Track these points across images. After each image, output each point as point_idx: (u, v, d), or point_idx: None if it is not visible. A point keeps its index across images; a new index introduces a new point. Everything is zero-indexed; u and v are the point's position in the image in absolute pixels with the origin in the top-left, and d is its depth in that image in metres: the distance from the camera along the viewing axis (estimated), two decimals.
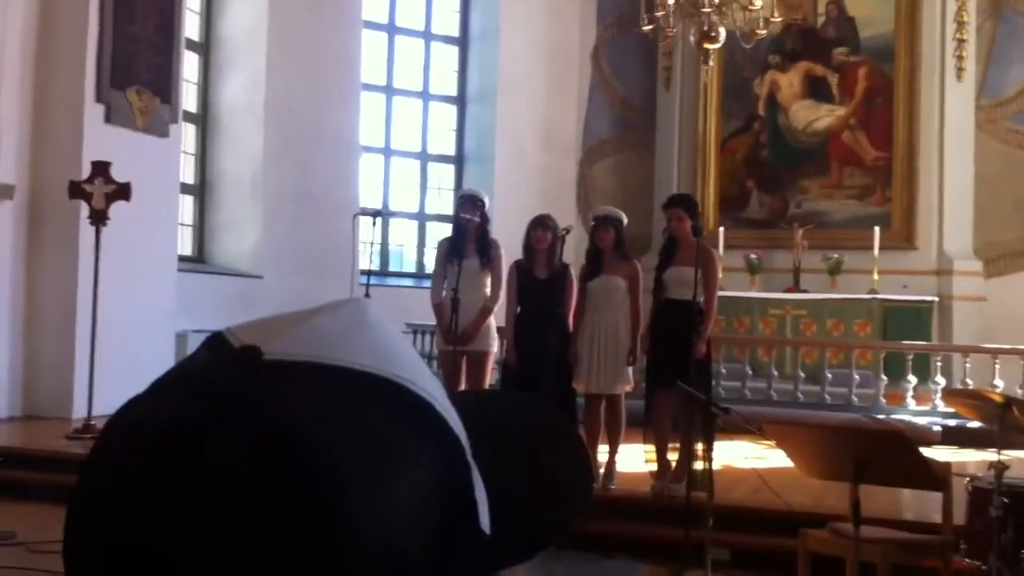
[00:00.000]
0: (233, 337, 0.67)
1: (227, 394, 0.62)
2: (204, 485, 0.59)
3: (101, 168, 8.43)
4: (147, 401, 0.67)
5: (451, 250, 7.50)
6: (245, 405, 0.61)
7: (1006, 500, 4.54)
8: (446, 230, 8.94)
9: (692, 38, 10.00)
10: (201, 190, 12.09)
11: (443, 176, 14.43)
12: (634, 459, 7.14)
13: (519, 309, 7.29)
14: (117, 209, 8.39)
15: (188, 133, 11.59)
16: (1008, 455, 4.68)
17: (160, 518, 0.59)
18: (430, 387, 0.68)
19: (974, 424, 7.38)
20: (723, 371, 10.50)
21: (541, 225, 7.31)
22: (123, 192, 8.36)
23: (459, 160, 14.42)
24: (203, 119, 12.11)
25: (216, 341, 0.68)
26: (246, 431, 0.60)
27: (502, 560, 0.72)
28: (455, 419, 0.68)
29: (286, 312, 0.71)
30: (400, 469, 0.62)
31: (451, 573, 0.65)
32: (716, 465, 5.93)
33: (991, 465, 4.69)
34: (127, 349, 8.72)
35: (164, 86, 10.09)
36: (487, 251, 7.46)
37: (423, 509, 0.62)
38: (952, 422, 9.18)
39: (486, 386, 7.50)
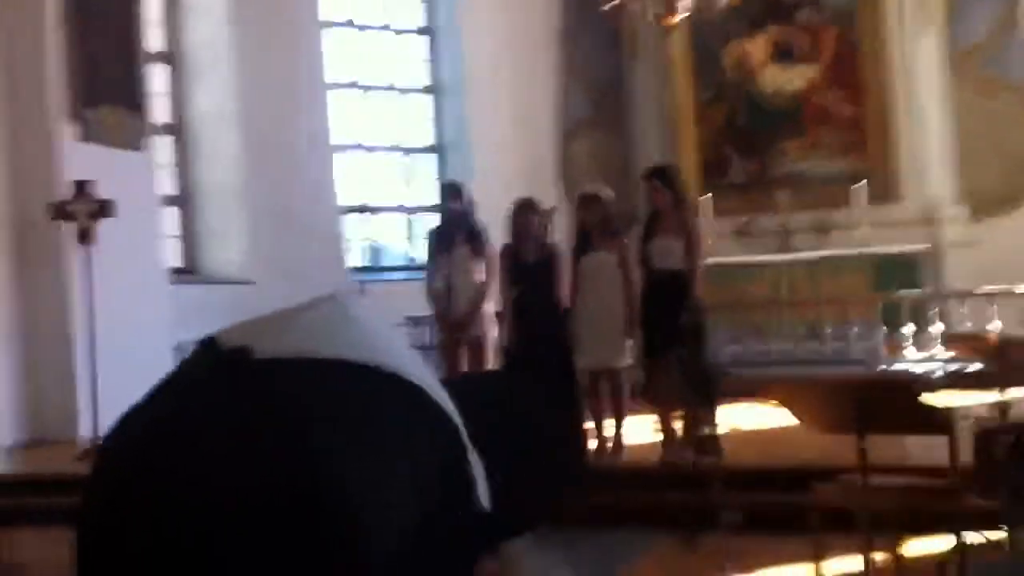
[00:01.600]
0: (224, 339, 0.67)
1: (221, 391, 0.63)
2: (200, 476, 0.60)
3: (82, 187, 8.41)
4: (142, 408, 0.67)
5: (440, 240, 7.52)
6: (240, 400, 0.63)
7: (1012, 438, 4.56)
8: (433, 220, 8.94)
9: (656, 14, 9.98)
10: (184, 200, 12.07)
11: (425, 167, 14.42)
12: (642, 430, 7.17)
13: (513, 293, 7.31)
14: (103, 227, 8.37)
15: (165, 145, 11.55)
16: (1010, 394, 4.71)
17: (162, 516, 0.61)
18: (421, 374, 0.68)
19: (975, 366, 7.42)
20: (723, 335, 10.52)
21: (529, 209, 7.30)
22: (107, 209, 8.35)
23: (440, 149, 14.40)
24: (178, 130, 12.08)
25: (208, 344, 0.69)
26: (240, 422, 0.62)
27: (502, 534, 0.75)
28: (448, 403, 0.69)
29: (273, 312, 0.72)
30: (397, 452, 0.63)
31: (452, 550, 0.67)
32: (722, 429, 5.97)
33: (993, 405, 4.72)
34: (128, 365, 8.66)
35: (134, 100, 10.06)
36: (476, 238, 7.48)
37: (422, 491, 0.63)
38: (953, 366, 9.22)
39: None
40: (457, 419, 0.69)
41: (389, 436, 0.64)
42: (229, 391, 0.64)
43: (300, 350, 0.66)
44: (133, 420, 0.67)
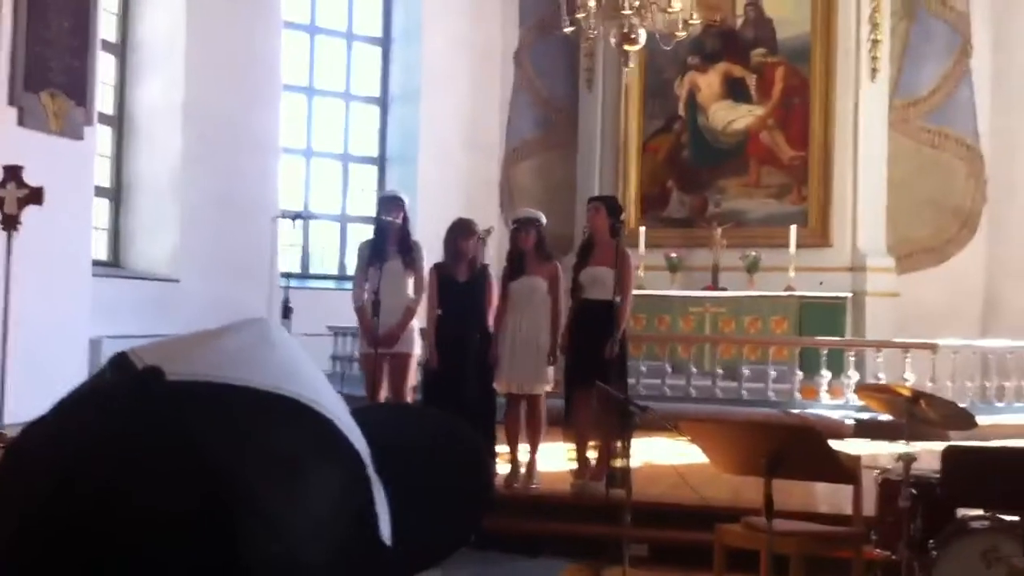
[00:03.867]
0: (136, 358, 0.66)
1: (129, 413, 0.63)
2: (105, 501, 0.60)
3: (13, 172, 8.26)
4: (49, 421, 0.66)
5: (373, 253, 7.48)
6: (147, 422, 0.62)
7: (914, 491, 4.66)
8: (368, 232, 8.92)
9: (613, 40, 10.08)
10: (117, 193, 11.89)
11: (366, 177, 14.38)
12: (555, 458, 7.20)
13: (440, 311, 7.31)
14: (29, 213, 8.23)
15: (104, 135, 11.38)
16: (916, 447, 4.81)
17: (61, 535, 0.61)
18: (332, 405, 0.68)
19: (885, 417, 7.57)
20: (643, 369, 10.60)
21: (468, 232, 7.29)
22: (36, 196, 8.20)
23: (381, 161, 14.38)
24: (119, 121, 11.91)
25: (119, 362, 0.68)
26: (148, 446, 0.61)
27: (406, 569, 0.76)
28: (357, 435, 0.69)
29: (191, 333, 0.73)
30: (302, 483, 0.63)
31: None
32: (635, 462, 6.02)
33: (899, 457, 4.82)
34: (40, 356, 8.52)
35: (79, 89, 9.91)
36: (409, 252, 7.46)
37: (326, 523, 0.63)
38: (864, 415, 9.39)
39: (409, 388, 7.50)
40: (365, 452, 0.69)
41: (294, 468, 0.63)
42: (135, 412, 0.63)
43: (212, 375, 0.65)
44: (38, 431, 0.67)
